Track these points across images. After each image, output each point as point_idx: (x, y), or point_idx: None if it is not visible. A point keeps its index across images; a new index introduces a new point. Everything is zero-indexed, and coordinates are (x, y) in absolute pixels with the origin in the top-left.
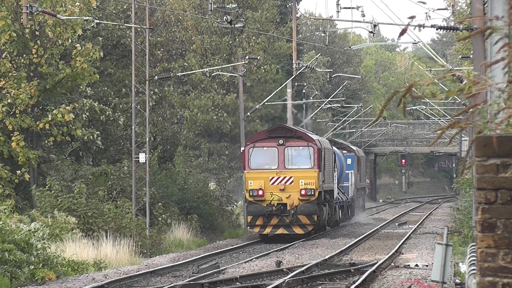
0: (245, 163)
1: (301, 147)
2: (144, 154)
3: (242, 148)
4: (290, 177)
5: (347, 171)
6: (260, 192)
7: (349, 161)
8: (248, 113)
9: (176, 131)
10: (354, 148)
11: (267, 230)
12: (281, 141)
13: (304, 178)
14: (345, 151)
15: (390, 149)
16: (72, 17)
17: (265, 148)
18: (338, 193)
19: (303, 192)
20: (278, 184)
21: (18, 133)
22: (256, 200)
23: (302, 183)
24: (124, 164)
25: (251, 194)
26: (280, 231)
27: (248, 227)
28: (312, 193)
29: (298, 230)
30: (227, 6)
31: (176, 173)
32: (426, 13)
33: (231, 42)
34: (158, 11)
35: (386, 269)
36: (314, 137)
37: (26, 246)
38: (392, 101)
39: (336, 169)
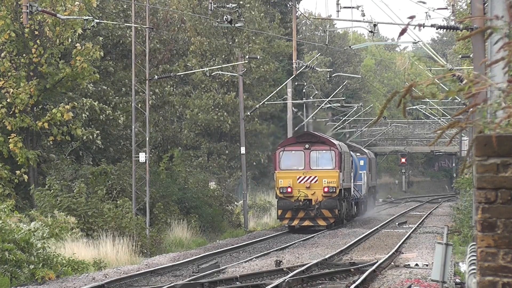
0: (276, 165)
1: (324, 151)
2: (144, 153)
3: (243, 149)
4: (315, 177)
5: (360, 172)
6: (289, 190)
7: (361, 162)
8: (248, 113)
9: (177, 131)
10: (366, 150)
11: (295, 222)
12: (307, 146)
13: (327, 177)
14: (358, 154)
15: (390, 148)
16: (71, 17)
17: (293, 151)
18: (353, 191)
19: (326, 189)
20: (304, 182)
21: (15, 135)
22: (286, 196)
23: (325, 181)
24: (125, 164)
25: (281, 191)
26: (306, 223)
27: (278, 219)
28: (334, 190)
29: (321, 222)
30: (227, 6)
31: (176, 173)
32: (426, 12)
33: (230, 43)
34: (161, 12)
35: (386, 269)
36: (335, 142)
37: (26, 245)
38: (392, 101)
39: (351, 169)
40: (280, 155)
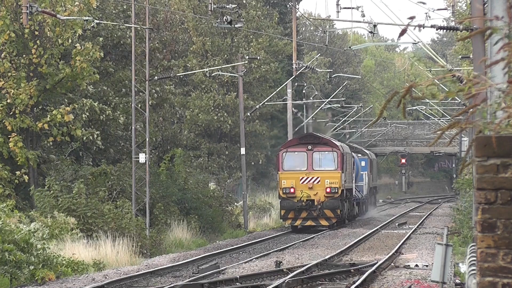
0: (279, 165)
1: (326, 152)
2: (144, 154)
3: (243, 149)
4: (317, 177)
5: (361, 172)
6: (292, 190)
7: (363, 163)
8: (248, 113)
9: (177, 131)
10: (367, 151)
11: (298, 222)
12: (309, 147)
13: (329, 178)
14: (360, 155)
15: (390, 149)
16: (71, 17)
17: (296, 152)
18: (354, 191)
19: (328, 190)
20: (307, 183)
21: (16, 134)
22: (289, 197)
23: (327, 182)
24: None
25: (284, 191)
26: (309, 223)
27: (282, 219)
28: (336, 191)
29: (324, 222)
30: (227, 6)
31: (176, 174)
32: (426, 13)
33: (231, 43)
34: (161, 12)
35: (386, 269)
36: (338, 143)
37: (26, 246)
38: (392, 102)
39: (353, 170)
40: (283, 156)
